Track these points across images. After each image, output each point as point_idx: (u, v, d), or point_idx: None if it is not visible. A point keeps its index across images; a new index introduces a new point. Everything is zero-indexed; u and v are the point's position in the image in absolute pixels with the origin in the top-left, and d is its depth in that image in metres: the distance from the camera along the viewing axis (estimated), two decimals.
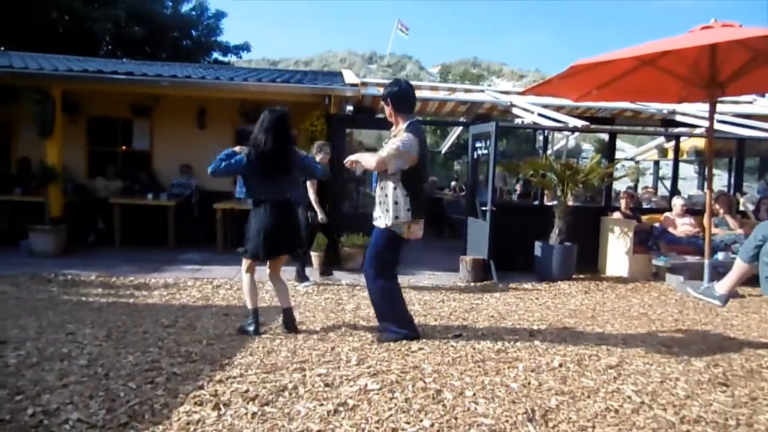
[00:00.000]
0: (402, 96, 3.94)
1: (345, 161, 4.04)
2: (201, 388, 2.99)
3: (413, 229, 3.94)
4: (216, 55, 19.92)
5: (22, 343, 3.70)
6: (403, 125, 3.91)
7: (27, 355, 3.44)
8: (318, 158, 5.80)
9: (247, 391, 2.96)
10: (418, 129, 3.93)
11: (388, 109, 3.99)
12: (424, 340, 3.99)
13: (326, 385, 3.07)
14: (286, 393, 2.95)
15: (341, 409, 2.77)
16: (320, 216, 6.11)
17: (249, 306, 4.16)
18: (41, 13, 14.62)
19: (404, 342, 3.94)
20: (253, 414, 2.69)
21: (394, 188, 3.82)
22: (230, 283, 6.08)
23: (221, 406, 2.77)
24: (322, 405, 2.80)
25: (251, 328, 4.09)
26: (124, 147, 9.55)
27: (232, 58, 20.50)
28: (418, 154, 3.81)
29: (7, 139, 9.20)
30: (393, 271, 4.10)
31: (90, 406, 2.73)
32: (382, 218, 3.89)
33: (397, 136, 3.86)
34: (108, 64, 8.98)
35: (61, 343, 3.73)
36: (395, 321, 4.04)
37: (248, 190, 4.14)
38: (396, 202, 3.82)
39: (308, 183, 6.04)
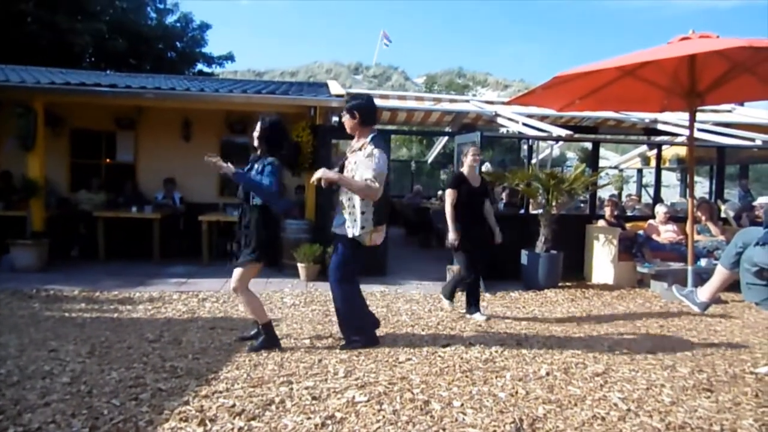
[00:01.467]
0: (369, 109, 4.02)
1: (314, 178, 3.91)
2: (186, 403, 2.96)
3: (374, 237, 4.01)
4: (201, 66, 19.85)
5: (3, 361, 3.63)
6: (367, 138, 3.96)
7: (7, 374, 3.37)
8: (469, 159, 5.36)
9: (233, 405, 2.93)
10: (382, 141, 4.04)
11: (353, 122, 4.00)
12: (411, 351, 3.99)
13: (313, 398, 3.05)
14: (273, 407, 2.93)
15: (329, 422, 2.75)
16: (451, 236, 5.13)
17: (262, 321, 4.02)
18: (21, 26, 14.49)
19: (391, 353, 3.94)
20: (240, 429, 2.67)
21: (362, 199, 3.88)
22: (216, 296, 6.02)
23: (207, 421, 2.74)
24: (309, 418, 2.78)
25: (274, 342, 4.02)
26: (108, 159, 9.46)
27: (216, 69, 20.44)
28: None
29: None
30: (355, 277, 4.19)
31: (72, 424, 2.68)
32: (350, 228, 3.94)
33: (369, 154, 3.85)
34: (91, 77, 8.90)
35: (43, 360, 3.66)
36: (358, 325, 4.17)
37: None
38: (363, 212, 3.90)
39: (446, 193, 5.29)
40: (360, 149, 3.95)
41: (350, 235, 3.93)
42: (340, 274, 4.06)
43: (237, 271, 3.96)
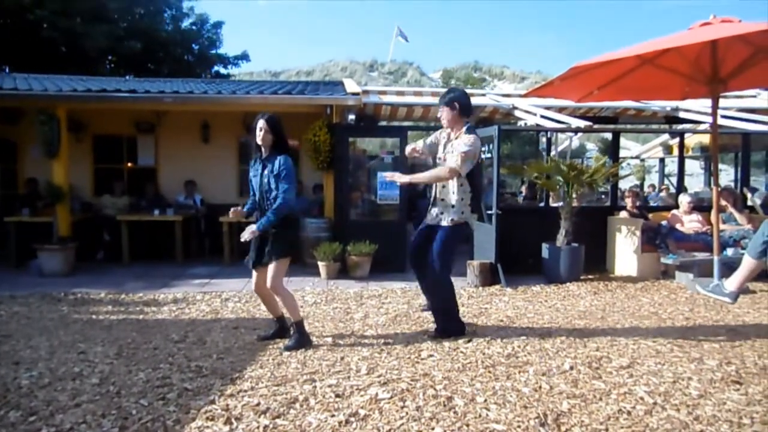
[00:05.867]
0: (467, 101, 4.25)
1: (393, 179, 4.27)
2: (212, 402, 3.00)
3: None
4: (217, 67, 20.02)
5: (34, 363, 3.73)
6: (463, 128, 4.16)
7: (39, 376, 3.46)
8: None
9: (258, 404, 2.96)
10: (475, 130, 4.24)
11: (452, 114, 4.19)
12: (433, 347, 3.99)
13: (337, 395, 3.08)
14: (297, 405, 2.96)
15: (353, 419, 2.77)
16: None
17: (296, 319, 4.09)
18: (38, 33, 14.74)
19: (413, 349, 3.95)
20: (265, 427, 2.70)
21: (460, 185, 4.11)
22: (239, 296, 6.09)
23: (233, 420, 2.78)
24: (333, 416, 2.81)
25: (306, 340, 4.10)
26: (129, 164, 9.62)
27: (233, 70, 20.61)
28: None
29: (14, 161, 9.30)
30: (451, 267, 4.34)
31: (103, 424, 2.74)
32: (445, 216, 4.15)
33: (461, 139, 4.09)
34: (111, 83, 9.06)
35: (73, 362, 3.75)
36: (455, 314, 4.33)
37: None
38: (462, 199, 4.13)
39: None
40: (456, 138, 4.16)
41: (446, 224, 4.14)
42: (441, 263, 4.17)
43: (270, 269, 3.98)
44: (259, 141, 4.00)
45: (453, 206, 4.14)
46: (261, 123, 3.98)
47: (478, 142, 4.09)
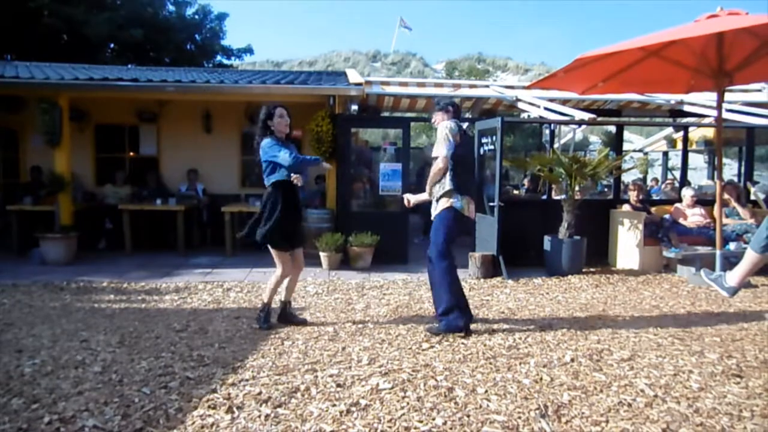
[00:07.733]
0: (457, 105, 4.48)
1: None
2: (214, 391, 3.02)
3: (470, 208, 4.27)
4: (220, 58, 19.93)
5: (37, 351, 3.75)
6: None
7: (42, 364, 3.48)
8: None
9: (259, 393, 2.98)
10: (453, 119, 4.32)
11: (444, 115, 4.32)
12: (434, 338, 4.00)
13: (338, 385, 3.09)
14: (299, 394, 2.97)
15: (354, 409, 2.78)
16: None
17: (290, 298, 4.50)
18: (38, 21, 14.67)
19: (414, 340, 3.95)
20: (266, 416, 2.71)
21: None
22: (240, 285, 6.10)
23: (234, 409, 2.79)
24: (334, 405, 2.82)
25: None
26: (131, 153, 9.62)
27: (236, 62, 20.51)
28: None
29: (16, 149, 9.29)
30: (451, 253, 4.32)
31: (105, 412, 2.76)
32: (440, 201, 4.25)
33: (439, 128, 4.24)
34: (113, 71, 9.03)
35: (75, 350, 3.77)
36: (449, 303, 4.16)
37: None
38: (442, 183, 4.22)
39: None
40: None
41: (442, 207, 4.22)
42: (433, 248, 4.25)
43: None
44: (288, 130, 4.24)
45: (438, 192, 4.24)
46: (283, 111, 4.19)
47: (453, 125, 4.16)
